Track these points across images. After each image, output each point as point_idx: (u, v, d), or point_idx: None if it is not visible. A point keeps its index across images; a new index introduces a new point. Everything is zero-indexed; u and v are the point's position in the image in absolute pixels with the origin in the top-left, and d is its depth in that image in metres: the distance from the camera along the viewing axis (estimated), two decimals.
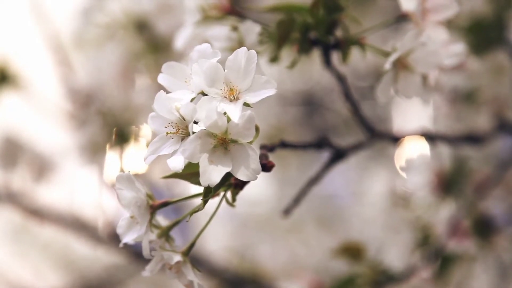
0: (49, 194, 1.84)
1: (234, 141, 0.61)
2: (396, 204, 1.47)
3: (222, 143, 0.61)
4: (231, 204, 0.68)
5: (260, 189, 2.07)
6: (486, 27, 1.13)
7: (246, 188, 2.12)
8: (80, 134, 1.63)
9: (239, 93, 0.62)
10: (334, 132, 1.97)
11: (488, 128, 1.20)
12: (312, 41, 0.82)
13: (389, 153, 1.73)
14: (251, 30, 0.80)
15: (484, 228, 1.25)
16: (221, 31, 0.80)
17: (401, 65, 0.77)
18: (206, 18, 0.82)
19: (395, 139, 1.05)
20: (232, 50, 0.78)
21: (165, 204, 0.69)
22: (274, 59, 0.82)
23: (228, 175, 0.63)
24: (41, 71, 1.85)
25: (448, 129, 1.34)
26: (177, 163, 0.61)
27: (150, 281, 1.87)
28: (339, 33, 0.82)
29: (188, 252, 0.67)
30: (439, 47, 0.77)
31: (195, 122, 0.61)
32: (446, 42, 0.79)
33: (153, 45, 1.57)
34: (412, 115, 1.82)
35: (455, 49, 0.82)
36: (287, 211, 0.91)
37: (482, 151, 1.26)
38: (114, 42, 1.64)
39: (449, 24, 1.11)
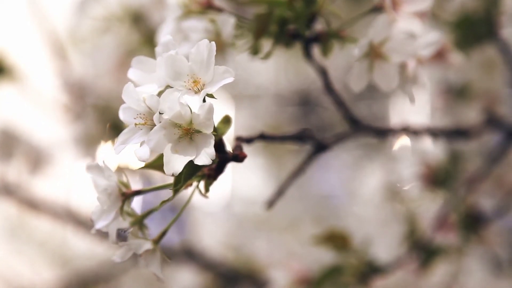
0: (45, 187, 1.84)
1: (198, 131, 0.61)
2: (389, 199, 1.47)
3: (187, 133, 0.61)
4: (204, 194, 0.68)
5: (256, 187, 2.08)
6: (475, 22, 1.13)
7: (243, 186, 2.12)
8: (76, 127, 1.63)
9: (203, 84, 0.63)
10: (330, 131, 1.96)
11: (477, 122, 1.20)
12: (292, 35, 0.82)
13: (384, 152, 1.73)
14: (227, 22, 0.80)
15: (473, 221, 1.25)
16: (197, 23, 0.81)
17: (375, 54, 0.77)
18: (188, 12, 0.82)
19: (380, 132, 1.04)
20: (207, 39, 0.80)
21: (138, 193, 0.69)
22: (254, 51, 0.81)
23: (201, 166, 0.64)
24: (37, 64, 1.86)
25: (440, 123, 1.34)
26: (143, 153, 0.62)
27: (146, 276, 1.87)
28: (319, 26, 0.82)
29: (159, 240, 0.67)
30: (413, 36, 0.77)
31: (161, 114, 0.62)
32: (422, 32, 0.79)
33: (148, 38, 1.58)
34: (409, 112, 1.82)
35: (430, 38, 0.81)
36: (270, 203, 0.91)
37: (472, 145, 1.26)
38: (110, 35, 1.64)
39: (437, 19, 1.12)
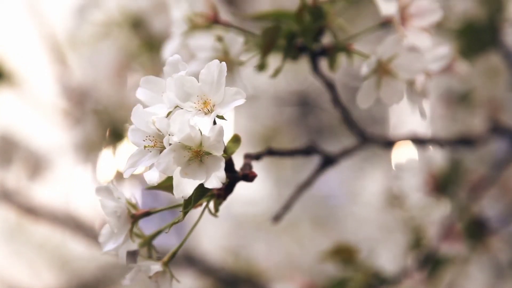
0: (44, 192, 1.83)
1: (208, 154, 0.61)
2: (391, 205, 1.47)
3: (197, 155, 0.61)
4: (214, 214, 0.67)
5: (255, 189, 2.07)
6: (478, 30, 1.13)
7: (242, 188, 2.11)
8: (75, 132, 1.63)
9: (213, 105, 0.62)
10: (329, 132, 1.96)
11: (482, 130, 1.20)
12: (299, 48, 0.81)
13: (383, 153, 1.72)
14: (235, 40, 0.79)
15: (478, 229, 1.24)
16: (204, 41, 0.80)
17: (383, 71, 0.76)
18: (194, 27, 0.81)
19: (387, 143, 1.04)
20: (218, 60, 0.79)
21: (147, 214, 0.68)
22: (261, 67, 0.81)
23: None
24: (36, 69, 1.85)
25: (444, 131, 1.34)
26: (153, 176, 0.61)
27: (145, 280, 1.86)
28: (326, 39, 0.81)
29: (168, 261, 0.67)
30: (422, 53, 0.76)
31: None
32: (431, 46, 0.78)
33: (148, 43, 1.57)
34: (408, 116, 1.82)
35: (440, 52, 0.81)
36: (277, 218, 0.90)
37: (477, 153, 1.25)
38: (109, 40, 1.64)
39: (441, 27, 1.12)
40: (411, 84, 0.79)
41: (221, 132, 0.60)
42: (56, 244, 2.04)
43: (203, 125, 0.60)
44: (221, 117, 0.62)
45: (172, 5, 0.83)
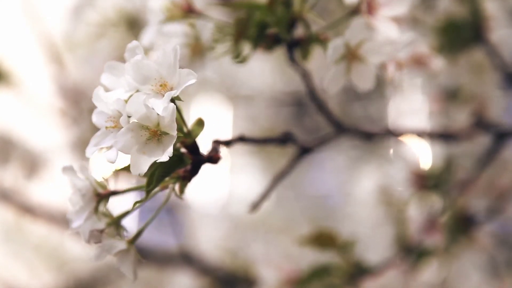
0: (41, 191, 1.84)
1: (166, 133, 0.62)
2: (383, 202, 1.47)
3: (154, 135, 0.62)
4: (179, 196, 0.68)
5: (252, 189, 2.08)
6: (461, 27, 1.14)
7: (239, 188, 2.12)
8: (72, 132, 1.64)
9: (171, 88, 0.63)
10: (326, 131, 1.96)
11: (466, 125, 1.20)
12: (274, 39, 0.82)
13: (379, 153, 1.73)
14: (206, 26, 0.82)
15: (464, 224, 1.25)
16: (177, 27, 0.82)
17: (352, 56, 0.77)
18: (170, 17, 0.83)
19: (364, 135, 1.04)
20: (189, 45, 0.83)
21: (113, 193, 0.69)
22: (235, 56, 0.82)
23: (174, 168, 0.66)
24: (33, 69, 1.86)
25: (438, 127, 1.34)
26: (112, 155, 0.62)
27: (143, 281, 1.87)
28: (300, 30, 0.82)
29: (134, 241, 0.67)
30: (390, 38, 0.77)
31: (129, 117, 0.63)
32: (399, 36, 0.79)
33: (144, 47, 1.58)
34: (407, 115, 1.82)
35: (404, 39, 0.82)
36: (254, 206, 0.91)
37: (465, 148, 1.26)
38: (105, 40, 1.65)
39: (422, 24, 1.12)
40: (382, 68, 0.80)
41: (173, 111, 0.61)
42: (54, 244, 2.05)
43: (157, 105, 0.61)
44: (178, 98, 0.64)
45: None
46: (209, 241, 2.00)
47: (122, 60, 1.65)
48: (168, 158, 0.61)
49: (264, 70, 2.01)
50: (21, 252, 2.11)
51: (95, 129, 1.63)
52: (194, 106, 2.13)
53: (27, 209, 1.78)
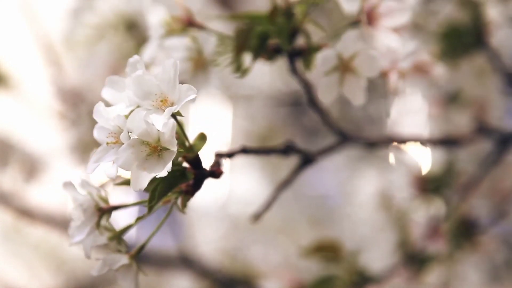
0: (40, 194, 1.84)
1: (166, 149, 0.62)
2: (384, 206, 1.47)
3: (155, 151, 0.62)
4: (182, 210, 0.68)
5: (251, 190, 2.08)
6: (462, 32, 1.13)
7: (238, 189, 2.11)
8: (70, 134, 1.63)
9: (172, 103, 0.63)
10: (324, 132, 1.96)
11: (468, 130, 1.20)
12: (275, 49, 0.82)
13: (379, 154, 1.73)
14: (208, 39, 0.81)
15: (467, 229, 1.24)
16: (178, 41, 0.82)
17: (345, 68, 0.77)
18: (170, 31, 0.83)
19: (367, 144, 1.04)
20: (191, 59, 0.82)
21: (114, 208, 0.69)
22: (236, 67, 0.81)
23: (177, 183, 0.65)
24: (31, 71, 1.86)
25: (437, 131, 1.34)
26: (111, 171, 0.62)
27: (143, 282, 1.87)
28: (301, 40, 0.82)
29: (136, 255, 0.67)
30: (389, 52, 0.77)
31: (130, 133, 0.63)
32: (401, 46, 0.79)
33: (142, 44, 1.57)
34: (407, 117, 1.82)
35: (407, 49, 0.81)
36: (257, 217, 0.91)
37: (467, 152, 1.26)
38: (104, 42, 1.64)
39: (424, 31, 1.12)
40: (384, 82, 0.79)
41: (173, 127, 0.61)
42: (53, 245, 2.04)
43: (157, 121, 0.61)
44: (179, 114, 0.63)
45: (149, 10, 0.84)
46: (208, 242, 2.00)
47: (121, 63, 1.64)
48: (167, 173, 0.60)
49: (264, 70, 2.00)
50: (20, 252, 2.10)
51: (93, 131, 1.63)
52: (193, 106, 2.13)
53: (26, 212, 1.77)
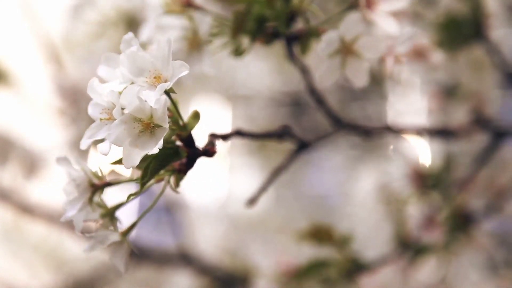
0: (40, 191, 1.84)
1: (159, 126, 0.62)
2: (382, 201, 1.47)
3: (147, 127, 0.62)
4: (175, 189, 0.68)
5: (251, 188, 2.07)
6: (461, 23, 1.13)
7: (238, 187, 2.11)
8: (70, 131, 1.63)
9: (165, 80, 0.63)
10: (322, 132, 1.96)
11: (466, 123, 1.20)
12: (273, 33, 0.82)
13: (378, 152, 1.73)
14: (204, 20, 0.81)
15: (462, 222, 1.24)
16: (175, 20, 0.82)
17: (347, 50, 0.77)
18: (169, 11, 0.83)
19: (363, 131, 1.04)
20: (187, 39, 0.81)
21: (108, 184, 0.69)
22: (234, 50, 0.82)
23: (169, 160, 0.65)
24: (31, 69, 1.86)
25: (437, 125, 1.34)
26: (104, 148, 0.62)
27: (142, 280, 1.87)
28: (299, 24, 0.82)
29: (127, 233, 0.67)
30: (385, 34, 0.77)
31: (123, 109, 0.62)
32: (398, 31, 0.79)
33: (143, 42, 1.57)
34: (406, 114, 1.82)
35: (405, 34, 0.81)
36: (252, 201, 0.91)
37: (464, 146, 1.26)
38: (104, 39, 1.64)
39: (423, 20, 1.12)
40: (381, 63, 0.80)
41: (165, 103, 0.61)
42: (53, 244, 2.04)
43: (150, 97, 0.61)
44: (171, 90, 0.63)
45: None
46: (208, 241, 2.00)
47: None
48: (158, 150, 0.60)
49: (263, 70, 2.01)
50: (20, 252, 2.10)
51: None
52: (193, 106, 2.12)
53: (26, 209, 1.77)
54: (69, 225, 1.71)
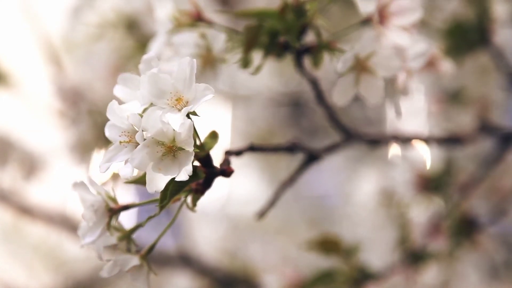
0: (40, 193, 1.84)
1: (181, 149, 0.61)
2: (384, 204, 1.47)
3: (170, 151, 0.61)
4: (192, 209, 0.67)
5: (250, 189, 2.08)
6: (467, 29, 1.13)
7: (238, 188, 2.11)
8: (70, 133, 1.63)
9: (186, 102, 0.62)
10: (323, 132, 1.96)
11: (471, 128, 1.20)
12: (283, 46, 0.82)
13: (378, 154, 1.72)
14: (218, 37, 0.80)
15: (467, 228, 1.25)
16: (187, 37, 0.80)
17: (361, 68, 0.76)
18: (178, 26, 0.82)
19: (371, 141, 1.04)
20: (200, 56, 0.80)
21: (125, 208, 0.68)
22: (245, 65, 0.81)
23: (188, 182, 0.64)
24: (31, 70, 1.85)
25: (437, 129, 1.34)
26: (127, 171, 0.61)
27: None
28: (310, 37, 0.81)
29: (146, 255, 0.67)
30: (400, 51, 0.76)
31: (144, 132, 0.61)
32: (410, 45, 0.78)
33: (143, 44, 1.57)
34: (405, 117, 1.82)
35: (419, 49, 0.81)
36: (261, 214, 0.90)
37: (468, 151, 1.26)
38: (104, 41, 1.64)
39: (429, 27, 1.12)
40: (391, 81, 0.79)
41: (190, 127, 0.60)
42: (52, 245, 2.04)
43: (174, 121, 0.60)
44: (194, 113, 0.62)
45: (157, 4, 0.84)
46: (208, 242, 2.00)
47: (121, 62, 1.64)
48: (188, 177, 0.60)
49: (263, 71, 2.00)
50: (19, 252, 2.10)
51: (94, 130, 1.62)
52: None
53: (26, 210, 1.77)
54: (69, 225, 1.72)
